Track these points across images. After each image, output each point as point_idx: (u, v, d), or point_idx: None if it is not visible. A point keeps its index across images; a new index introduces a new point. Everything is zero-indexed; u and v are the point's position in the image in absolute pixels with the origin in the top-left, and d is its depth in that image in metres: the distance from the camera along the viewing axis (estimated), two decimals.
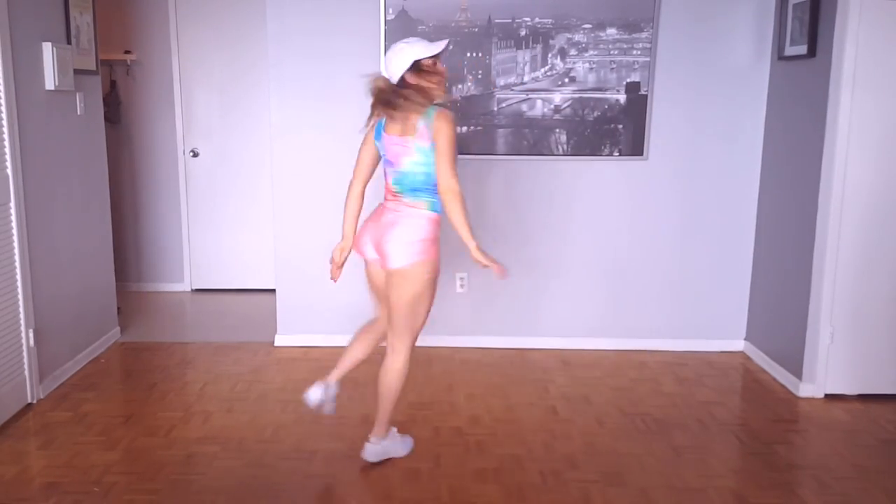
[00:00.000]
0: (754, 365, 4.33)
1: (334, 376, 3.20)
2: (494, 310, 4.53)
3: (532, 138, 4.32)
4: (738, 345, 4.55)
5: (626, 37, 4.21)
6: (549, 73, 4.26)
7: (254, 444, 3.29)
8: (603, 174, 4.39)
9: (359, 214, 3.08)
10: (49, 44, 3.71)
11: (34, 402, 3.65)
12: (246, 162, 5.63)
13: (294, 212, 4.45)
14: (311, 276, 4.49)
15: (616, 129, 4.31)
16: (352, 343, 3.23)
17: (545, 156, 4.34)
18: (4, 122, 3.39)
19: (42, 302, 3.73)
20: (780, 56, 4.12)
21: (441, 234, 4.46)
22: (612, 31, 4.21)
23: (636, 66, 4.24)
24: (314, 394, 3.16)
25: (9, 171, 3.44)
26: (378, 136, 2.95)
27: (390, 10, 4.18)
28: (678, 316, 4.53)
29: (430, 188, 2.89)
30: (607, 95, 4.28)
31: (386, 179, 2.99)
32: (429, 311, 3.00)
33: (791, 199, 4.03)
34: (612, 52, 4.23)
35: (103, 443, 3.28)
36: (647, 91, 4.27)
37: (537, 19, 4.20)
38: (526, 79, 4.26)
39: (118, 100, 5.49)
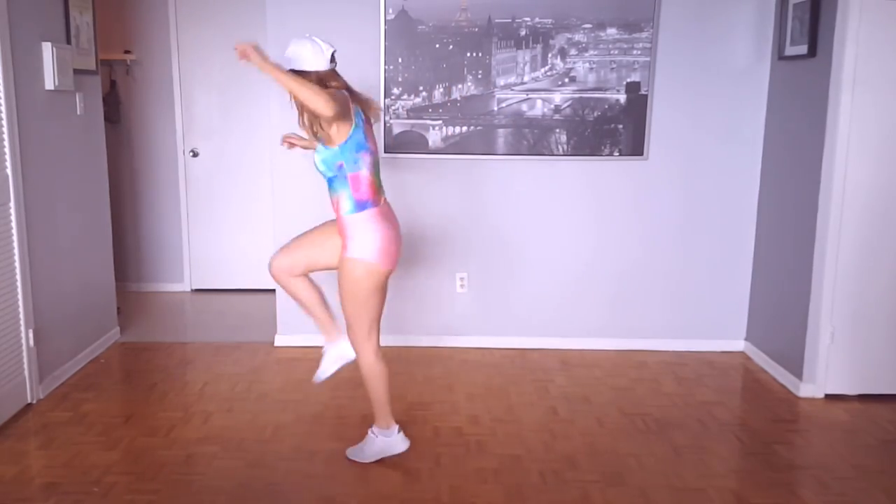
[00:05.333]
0: (754, 365, 4.33)
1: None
2: (494, 310, 4.53)
3: (532, 138, 4.32)
4: (738, 345, 4.55)
5: (626, 37, 4.21)
6: (549, 73, 4.26)
7: (254, 444, 3.29)
8: (603, 174, 4.39)
9: None
10: (49, 44, 3.71)
11: (34, 402, 3.65)
12: (246, 162, 5.62)
13: (294, 212, 4.43)
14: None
15: (616, 128, 4.31)
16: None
17: (545, 156, 4.34)
18: (4, 122, 3.39)
19: (42, 302, 3.73)
20: (780, 56, 4.12)
21: (441, 234, 4.48)
22: (612, 31, 4.20)
23: (636, 66, 4.24)
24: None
25: (9, 171, 3.44)
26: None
27: (390, 10, 4.17)
28: (678, 316, 4.53)
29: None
30: (607, 95, 4.28)
31: (370, 172, 2.93)
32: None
33: (791, 198, 4.03)
34: (612, 52, 4.23)
35: (103, 443, 3.28)
36: (647, 91, 4.27)
37: (537, 19, 4.20)
38: (526, 79, 4.26)
39: (118, 100, 5.49)
